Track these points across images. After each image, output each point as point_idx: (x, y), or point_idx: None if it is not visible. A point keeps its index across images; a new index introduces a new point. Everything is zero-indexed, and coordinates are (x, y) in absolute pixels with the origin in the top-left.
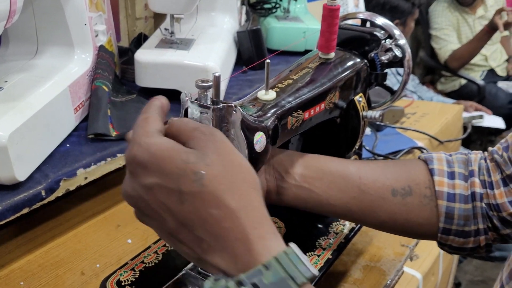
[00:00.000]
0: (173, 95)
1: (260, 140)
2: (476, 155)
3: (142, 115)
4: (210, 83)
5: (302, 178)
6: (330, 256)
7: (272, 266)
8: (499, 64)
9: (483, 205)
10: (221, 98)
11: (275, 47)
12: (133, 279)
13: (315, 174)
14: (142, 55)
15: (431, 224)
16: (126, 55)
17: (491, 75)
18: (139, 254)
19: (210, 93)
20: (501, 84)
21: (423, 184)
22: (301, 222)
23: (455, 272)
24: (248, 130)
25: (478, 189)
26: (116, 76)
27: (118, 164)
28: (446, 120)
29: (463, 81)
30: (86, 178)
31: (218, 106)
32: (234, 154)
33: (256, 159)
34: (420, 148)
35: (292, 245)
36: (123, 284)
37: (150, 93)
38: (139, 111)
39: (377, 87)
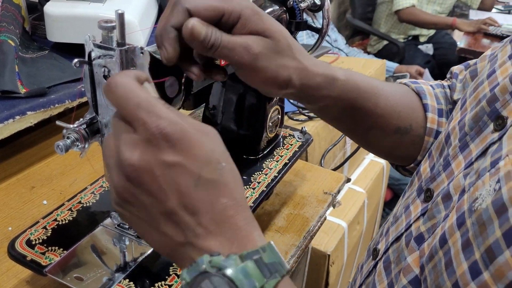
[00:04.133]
0: None
1: (172, 84)
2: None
3: (143, 89)
4: (114, 23)
5: (328, 110)
6: (252, 205)
7: (267, 250)
8: (425, 34)
9: None
10: None
11: None
12: (45, 237)
13: (340, 107)
14: (53, 7)
15: (411, 156)
16: (37, 10)
17: (414, 39)
18: (52, 212)
19: (115, 35)
20: (420, 46)
21: (420, 123)
22: None
23: (380, 223)
24: (159, 73)
25: None
26: (26, 31)
27: (28, 122)
28: (369, 74)
29: (385, 42)
30: None
31: (123, 48)
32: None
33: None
34: None
35: (271, 242)
36: (33, 243)
37: (63, 48)
38: (52, 67)
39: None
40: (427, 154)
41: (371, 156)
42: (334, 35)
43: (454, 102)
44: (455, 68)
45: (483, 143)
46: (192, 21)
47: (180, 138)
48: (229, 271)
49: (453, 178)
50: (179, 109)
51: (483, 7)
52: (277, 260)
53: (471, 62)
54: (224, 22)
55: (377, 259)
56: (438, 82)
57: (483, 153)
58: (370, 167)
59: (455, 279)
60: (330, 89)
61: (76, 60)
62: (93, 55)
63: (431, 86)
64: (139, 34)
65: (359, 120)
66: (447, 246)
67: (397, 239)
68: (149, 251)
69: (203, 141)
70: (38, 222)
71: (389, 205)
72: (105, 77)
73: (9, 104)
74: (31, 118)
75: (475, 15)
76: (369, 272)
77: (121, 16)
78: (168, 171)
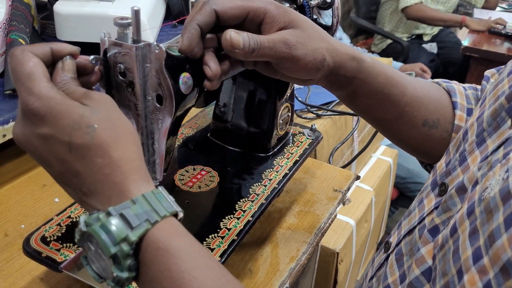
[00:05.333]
0: (97, 49)
1: (186, 81)
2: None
3: (30, 63)
4: (130, 20)
5: (357, 95)
6: (264, 201)
7: (139, 201)
8: (429, 33)
9: None
10: None
11: None
12: (59, 234)
13: (369, 93)
14: (62, 6)
15: (439, 153)
16: (46, 10)
17: (417, 38)
18: (65, 209)
19: (130, 32)
20: (424, 45)
21: (448, 119)
22: (235, 172)
23: (387, 221)
24: (174, 70)
25: None
26: (35, 30)
27: None
28: None
29: (389, 41)
30: (4, 135)
31: (139, 45)
32: (120, 114)
33: (182, 100)
34: None
35: (160, 188)
36: (48, 240)
37: None
38: None
39: None
40: (446, 151)
41: (378, 154)
42: (339, 34)
43: None
44: (488, 72)
45: (500, 139)
46: (229, 32)
47: (48, 111)
48: (92, 229)
49: (468, 172)
50: (192, 107)
51: (487, 6)
52: (150, 208)
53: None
54: (250, 20)
55: (389, 252)
56: (472, 85)
57: (499, 147)
58: (377, 165)
59: (459, 265)
60: (359, 70)
61: (92, 56)
62: (108, 52)
63: (463, 87)
64: (148, 33)
65: (387, 108)
66: (456, 235)
67: (410, 232)
68: None
69: (70, 109)
70: (52, 219)
71: (395, 203)
72: (121, 74)
73: None
74: None
75: (479, 14)
76: (380, 265)
77: (137, 13)
78: (44, 142)
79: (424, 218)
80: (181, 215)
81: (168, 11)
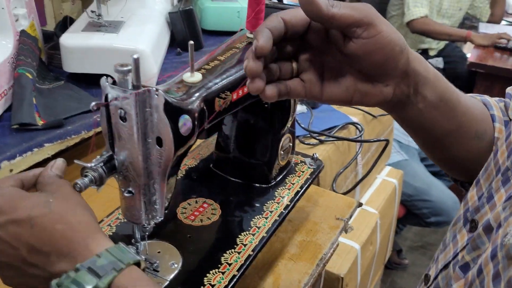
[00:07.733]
0: None
1: (185, 123)
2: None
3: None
4: (130, 67)
5: (426, 105)
6: (265, 235)
7: (104, 255)
8: (435, 47)
9: None
10: (155, 80)
11: (209, 27)
12: None
13: (435, 101)
14: (68, 39)
15: (480, 167)
16: (52, 40)
17: (424, 53)
18: None
19: (130, 77)
20: (431, 60)
21: (491, 130)
22: (236, 204)
23: (393, 240)
24: (172, 113)
25: None
26: (42, 62)
27: (46, 154)
28: None
29: None
30: (11, 170)
31: (139, 91)
32: (74, 193)
33: (182, 142)
34: (354, 124)
35: (120, 243)
36: None
37: (79, 78)
38: (68, 98)
39: None
40: (475, 181)
41: (383, 176)
42: None
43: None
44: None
45: None
46: None
47: (5, 201)
48: (64, 286)
49: (494, 211)
50: (192, 145)
51: (492, 20)
52: (114, 259)
53: None
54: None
55: (428, 285)
56: (498, 98)
57: None
58: (382, 187)
59: None
60: (426, 71)
61: (93, 103)
62: (109, 96)
63: (495, 100)
64: (151, 63)
65: (449, 118)
66: (482, 276)
67: (446, 266)
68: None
69: (25, 195)
70: None
71: (403, 221)
72: (122, 118)
73: (27, 137)
74: (49, 150)
75: (485, 28)
76: None
77: (136, 61)
78: (4, 229)
79: (457, 254)
80: (143, 265)
81: (173, 38)
